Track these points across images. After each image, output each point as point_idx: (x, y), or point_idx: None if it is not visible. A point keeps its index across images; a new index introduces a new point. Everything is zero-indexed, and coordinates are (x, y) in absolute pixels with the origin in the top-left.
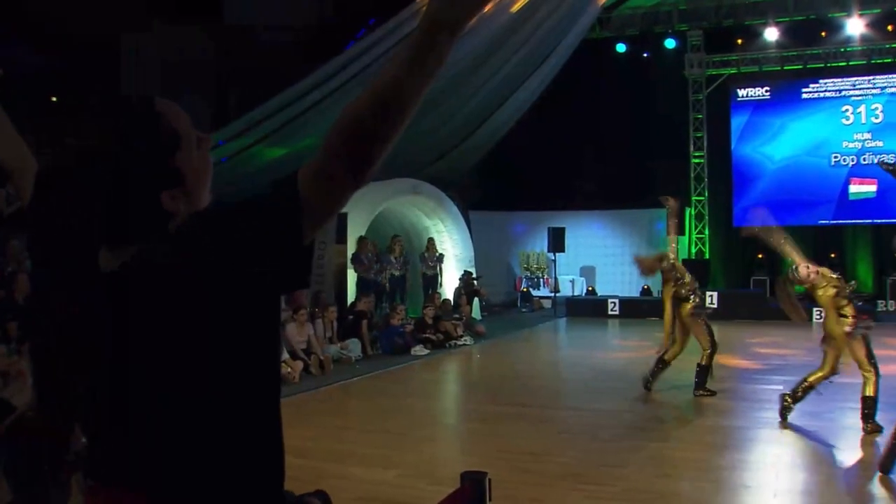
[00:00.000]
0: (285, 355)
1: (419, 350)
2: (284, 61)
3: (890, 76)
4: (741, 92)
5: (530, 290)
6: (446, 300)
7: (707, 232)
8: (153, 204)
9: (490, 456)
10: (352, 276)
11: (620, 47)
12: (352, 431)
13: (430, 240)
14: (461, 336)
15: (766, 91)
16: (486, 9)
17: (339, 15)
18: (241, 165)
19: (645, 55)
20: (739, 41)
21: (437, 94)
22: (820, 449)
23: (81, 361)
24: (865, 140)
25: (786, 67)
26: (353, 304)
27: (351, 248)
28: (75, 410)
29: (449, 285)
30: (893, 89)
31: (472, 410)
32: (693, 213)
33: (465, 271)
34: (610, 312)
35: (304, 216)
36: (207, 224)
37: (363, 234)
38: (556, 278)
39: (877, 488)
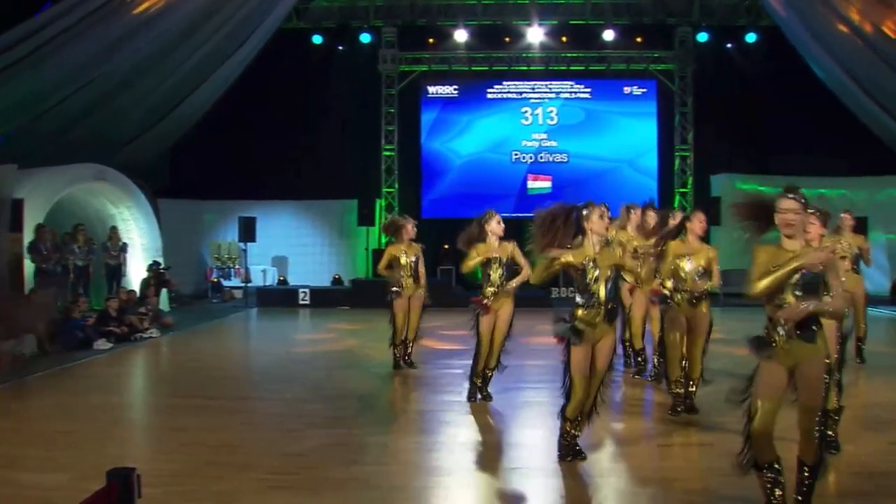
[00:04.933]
0: None
1: (102, 344)
2: None
3: (563, 82)
4: (431, 89)
5: (221, 280)
6: (132, 291)
7: None
8: None
9: (173, 450)
10: (29, 267)
11: (317, 39)
12: (24, 434)
13: (113, 228)
14: (148, 328)
15: (455, 89)
16: None
17: None
18: None
19: (340, 48)
20: (431, 40)
21: (125, 76)
22: (500, 426)
23: None
24: (542, 140)
25: (473, 68)
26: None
27: (28, 236)
28: None
29: (136, 276)
30: (566, 94)
31: (157, 404)
32: (384, 204)
33: (153, 261)
34: (301, 302)
35: None
36: None
37: (42, 221)
38: (247, 268)
39: (552, 464)
